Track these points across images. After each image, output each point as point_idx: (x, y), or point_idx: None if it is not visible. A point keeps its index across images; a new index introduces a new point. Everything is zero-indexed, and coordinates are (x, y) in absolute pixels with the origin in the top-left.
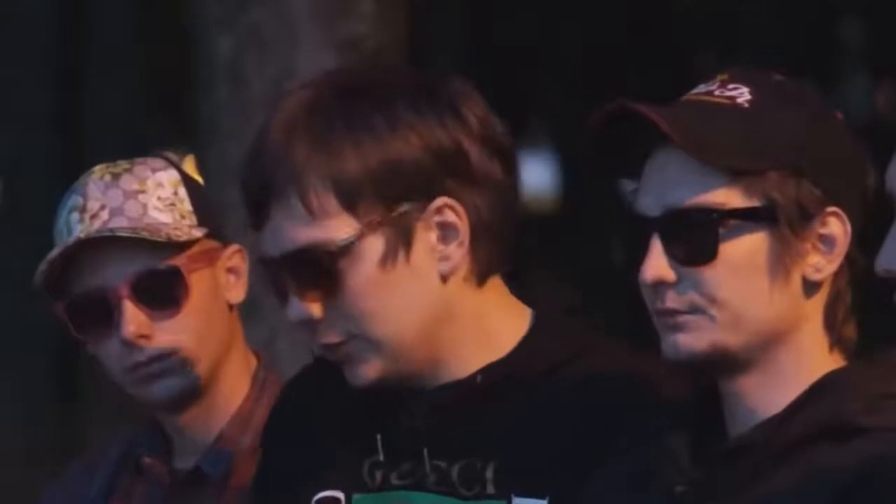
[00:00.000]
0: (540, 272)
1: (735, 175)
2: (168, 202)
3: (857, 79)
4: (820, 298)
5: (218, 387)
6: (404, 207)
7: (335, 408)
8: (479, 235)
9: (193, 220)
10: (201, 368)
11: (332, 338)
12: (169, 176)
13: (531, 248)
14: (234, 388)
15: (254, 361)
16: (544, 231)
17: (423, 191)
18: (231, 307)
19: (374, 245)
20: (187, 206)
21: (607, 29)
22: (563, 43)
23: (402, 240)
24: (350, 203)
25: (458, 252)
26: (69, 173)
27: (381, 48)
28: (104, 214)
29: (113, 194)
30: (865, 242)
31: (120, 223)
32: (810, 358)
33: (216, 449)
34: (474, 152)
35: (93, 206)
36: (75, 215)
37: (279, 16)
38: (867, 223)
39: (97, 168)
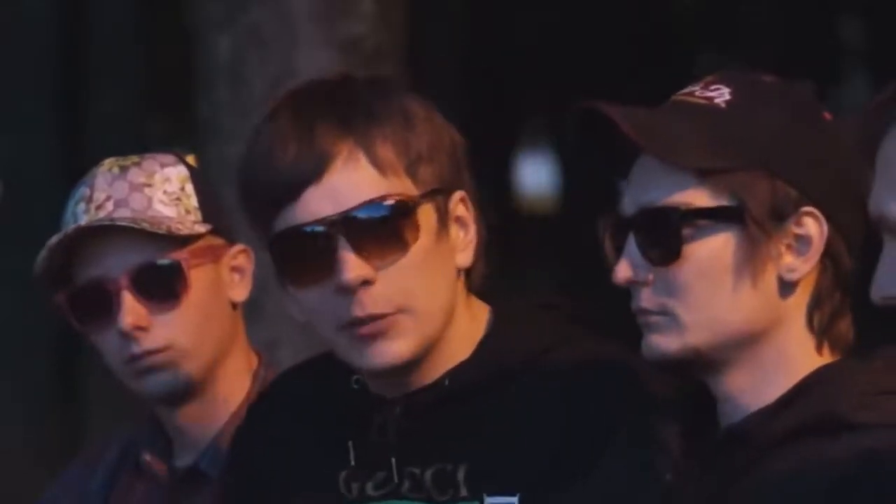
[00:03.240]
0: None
1: (703, 175)
2: (174, 197)
3: (857, 79)
4: (800, 299)
5: (217, 385)
6: (444, 190)
7: (304, 422)
8: (480, 240)
9: (198, 215)
10: (198, 365)
11: (382, 307)
12: (178, 171)
13: (530, 249)
14: (235, 386)
15: (255, 360)
16: (544, 231)
17: (453, 178)
18: (234, 306)
19: (430, 215)
20: (193, 202)
21: (607, 28)
22: (562, 43)
23: (443, 220)
24: (413, 168)
25: (470, 247)
26: (69, 173)
27: (381, 48)
28: (109, 205)
29: (119, 186)
30: (863, 243)
31: (123, 214)
32: (795, 357)
33: (215, 447)
34: (465, 158)
35: (99, 196)
36: (81, 206)
37: (279, 16)
38: (860, 224)
39: (107, 161)
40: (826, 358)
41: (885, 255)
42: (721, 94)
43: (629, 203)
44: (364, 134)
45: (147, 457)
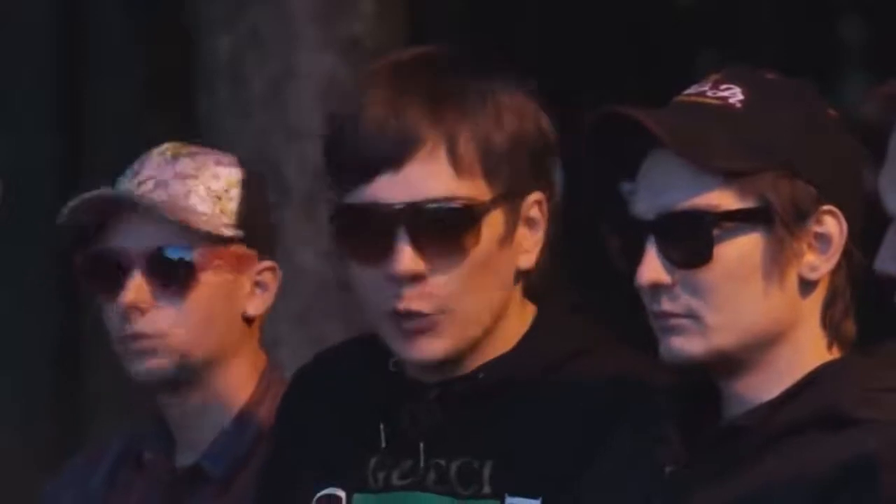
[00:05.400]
0: (548, 270)
1: (728, 176)
2: (214, 195)
3: (857, 79)
4: (817, 297)
5: (218, 386)
6: (519, 192)
7: (339, 403)
8: (549, 242)
9: (233, 220)
10: (188, 362)
11: (426, 305)
12: (229, 173)
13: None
14: (239, 389)
15: (263, 363)
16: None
17: (532, 177)
18: (247, 318)
19: (498, 219)
20: (232, 206)
21: (607, 29)
22: (562, 43)
23: (511, 223)
24: (491, 171)
25: (535, 249)
26: (69, 173)
27: (381, 48)
28: (149, 185)
29: (166, 170)
30: (866, 240)
31: (160, 197)
32: (808, 356)
33: (217, 447)
34: (554, 151)
35: (144, 175)
36: (127, 177)
37: (279, 16)
38: (867, 221)
39: (167, 144)
40: (834, 355)
41: (890, 233)
42: (734, 94)
43: (645, 205)
44: (452, 128)
45: (149, 454)
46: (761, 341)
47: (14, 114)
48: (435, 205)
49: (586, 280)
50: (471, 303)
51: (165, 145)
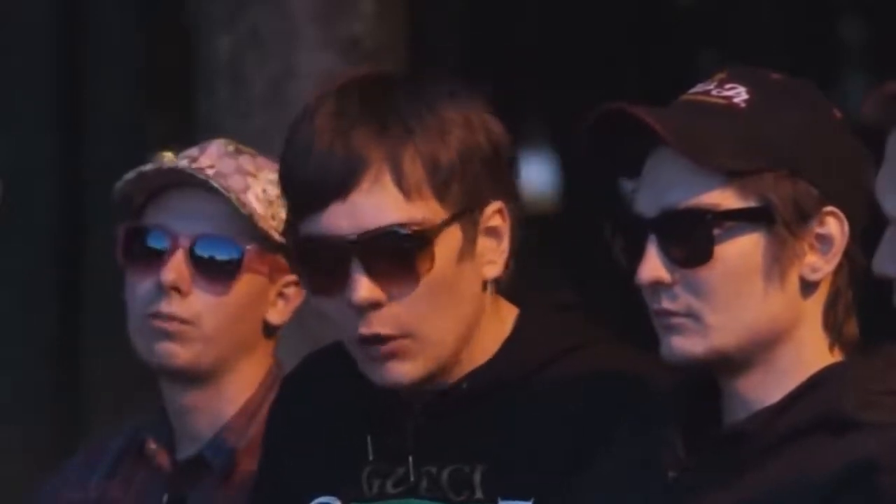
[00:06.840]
0: (530, 270)
1: (730, 175)
2: (268, 199)
3: (857, 79)
4: (819, 298)
5: (228, 383)
6: (476, 204)
7: (328, 410)
8: (514, 248)
9: (280, 227)
10: (203, 356)
11: (388, 329)
12: None
13: (531, 248)
14: (246, 388)
15: (271, 362)
16: (544, 231)
17: (489, 190)
18: (266, 325)
19: (455, 236)
20: (282, 214)
21: (607, 29)
22: (563, 43)
23: (470, 237)
24: (441, 189)
25: (501, 259)
26: (69, 173)
27: (381, 48)
28: (209, 172)
29: (227, 162)
30: (868, 241)
31: (219, 183)
32: (810, 356)
33: (219, 439)
34: (510, 155)
35: (204, 161)
36: (184, 160)
37: (279, 16)
38: (869, 222)
39: (228, 140)
40: (836, 357)
41: (888, 234)
42: (738, 94)
43: (648, 203)
44: (395, 150)
45: (152, 444)
46: (761, 341)
47: (14, 113)
48: (385, 233)
49: (588, 279)
50: (434, 325)
51: (225, 140)
